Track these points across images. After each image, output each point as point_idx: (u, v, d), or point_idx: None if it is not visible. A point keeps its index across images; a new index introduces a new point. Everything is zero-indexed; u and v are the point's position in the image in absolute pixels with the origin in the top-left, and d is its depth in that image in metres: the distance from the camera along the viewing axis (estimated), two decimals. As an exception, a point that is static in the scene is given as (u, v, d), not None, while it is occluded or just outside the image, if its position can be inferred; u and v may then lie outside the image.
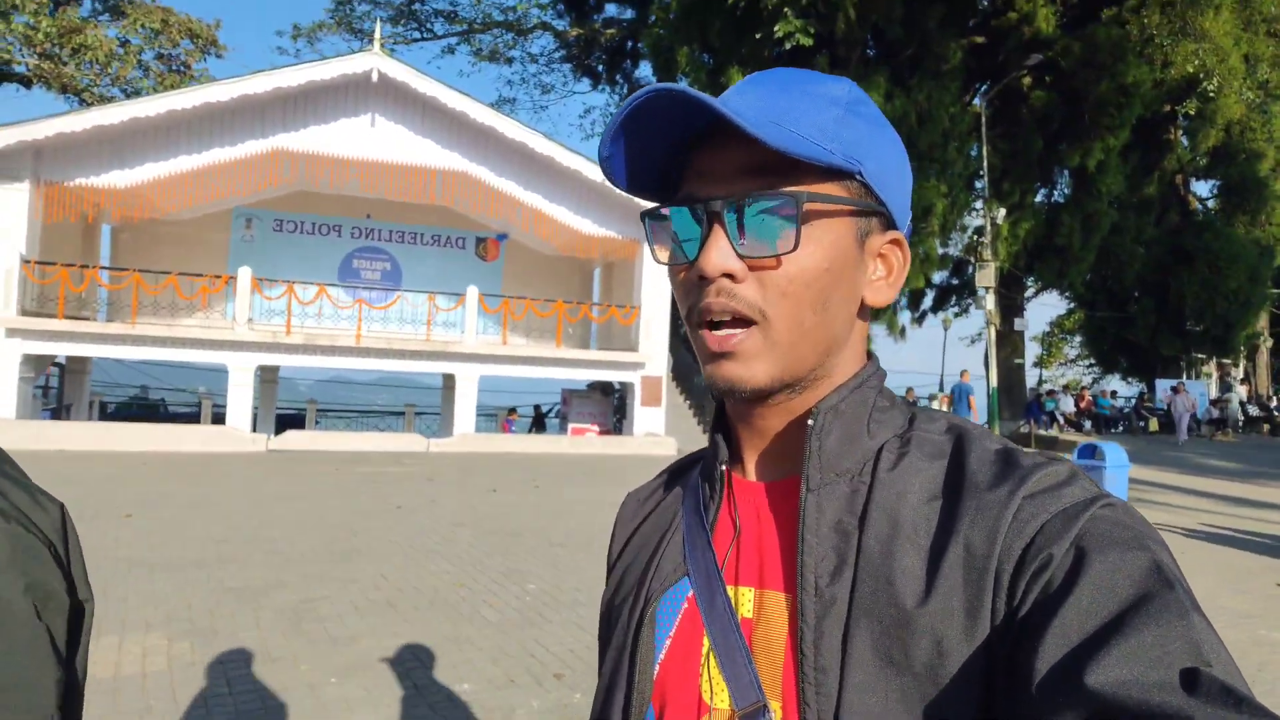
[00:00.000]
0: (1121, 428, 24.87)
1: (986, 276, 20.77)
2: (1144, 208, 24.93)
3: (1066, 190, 24.02)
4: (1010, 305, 24.41)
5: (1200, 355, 28.18)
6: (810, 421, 0.61)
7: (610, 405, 19.08)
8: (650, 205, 0.63)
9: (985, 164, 20.35)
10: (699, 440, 17.45)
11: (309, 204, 17.45)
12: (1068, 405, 25.16)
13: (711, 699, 0.61)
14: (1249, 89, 22.50)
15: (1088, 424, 24.62)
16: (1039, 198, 23.96)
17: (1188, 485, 12.85)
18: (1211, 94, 21.33)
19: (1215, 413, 24.95)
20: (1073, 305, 35.84)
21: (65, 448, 12.41)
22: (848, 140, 0.59)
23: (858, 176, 0.60)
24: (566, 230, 16.14)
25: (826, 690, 0.54)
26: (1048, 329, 43.66)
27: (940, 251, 21.52)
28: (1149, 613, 0.45)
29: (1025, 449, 0.60)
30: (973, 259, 23.64)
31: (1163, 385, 26.12)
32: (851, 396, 0.63)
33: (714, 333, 0.60)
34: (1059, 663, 0.46)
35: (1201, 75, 20.78)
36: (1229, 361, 29.15)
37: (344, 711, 3.66)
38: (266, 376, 18.70)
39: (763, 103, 0.59)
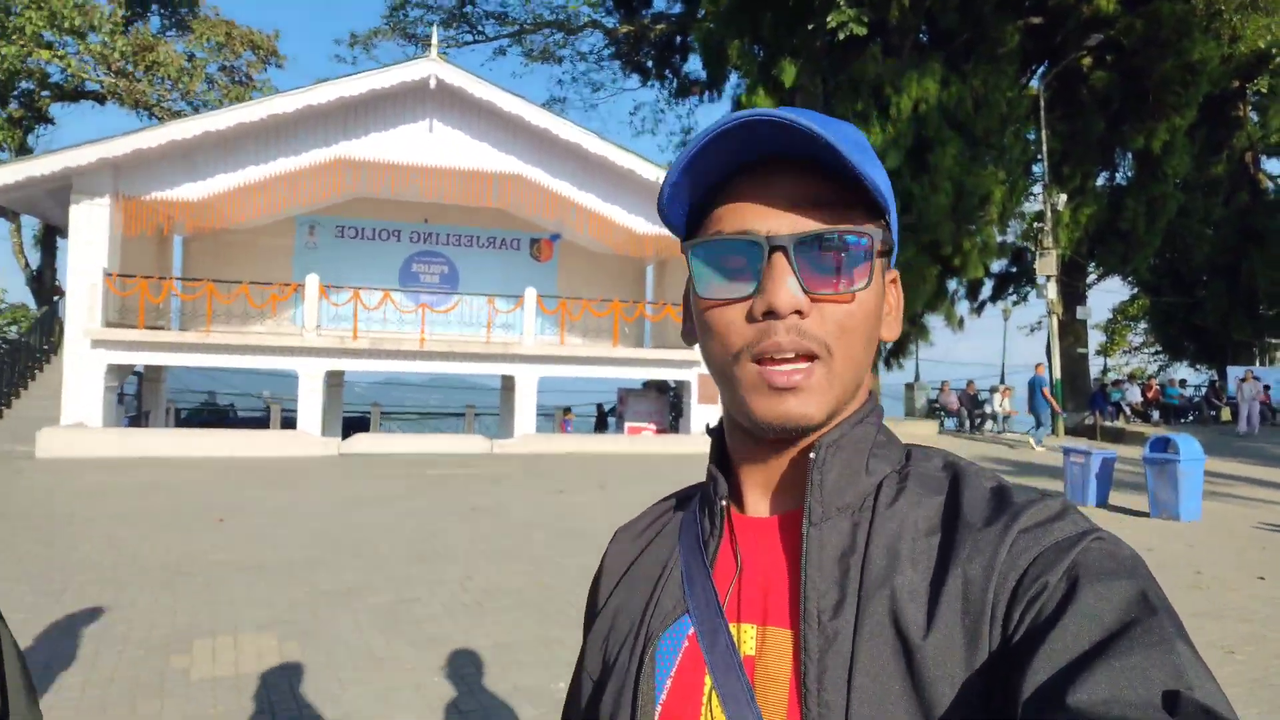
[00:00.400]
0: (1191, 418, 24.12)
1: (1048, 264, 20.35)
2: (1212, 188, 24.15)
3: (1130, 173, 23.36)
4: (1072, 293, 23.84)
5: (1274, 340, 27.19)
6: (812, 455, 0.62)
7: (666, 404, 19.16)
8: (709, 236, 0.63)
9: (1044, 148, 19.92)
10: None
11: (368, 210, 17.86)
12: (1134, 395, 24.48)
13: None
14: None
15: (1155, 414, 23.94)
16: (1100, 181, 23.35)
17: (1261, 476, 12.46)
18: (1287, 68, 20.56)
19: (1291, 399, 24.05)
20: (1136, 291, 34.88)
21: (148, 454, 12.93)
22: (882, 182, 0.61)
23: (885, 217, 0.63)
24: (620, 229, 16.26)
25: None
26: (1110, 316, 42.50)
27: (999, 239, 21.10)
28: (1134, 637, 0.47)
29: (1020, 486, 0.62)
30: (1032, 246, 23.18)
31: (1235, 372, 25.24)
32: (853, 432, 0.64)
33: (778, 369, 0.60)
34: (1045, 683, 0.47)
35: (1274, 50, 20.00)
36: (1305, 345, 28.08)
37: (451, 712, 3.80)
38: (332, 380, 19.20)
39: (841, 138, 0.59)
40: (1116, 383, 26.56)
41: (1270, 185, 27.23)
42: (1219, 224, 24.22)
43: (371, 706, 3.83)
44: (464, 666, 4.35)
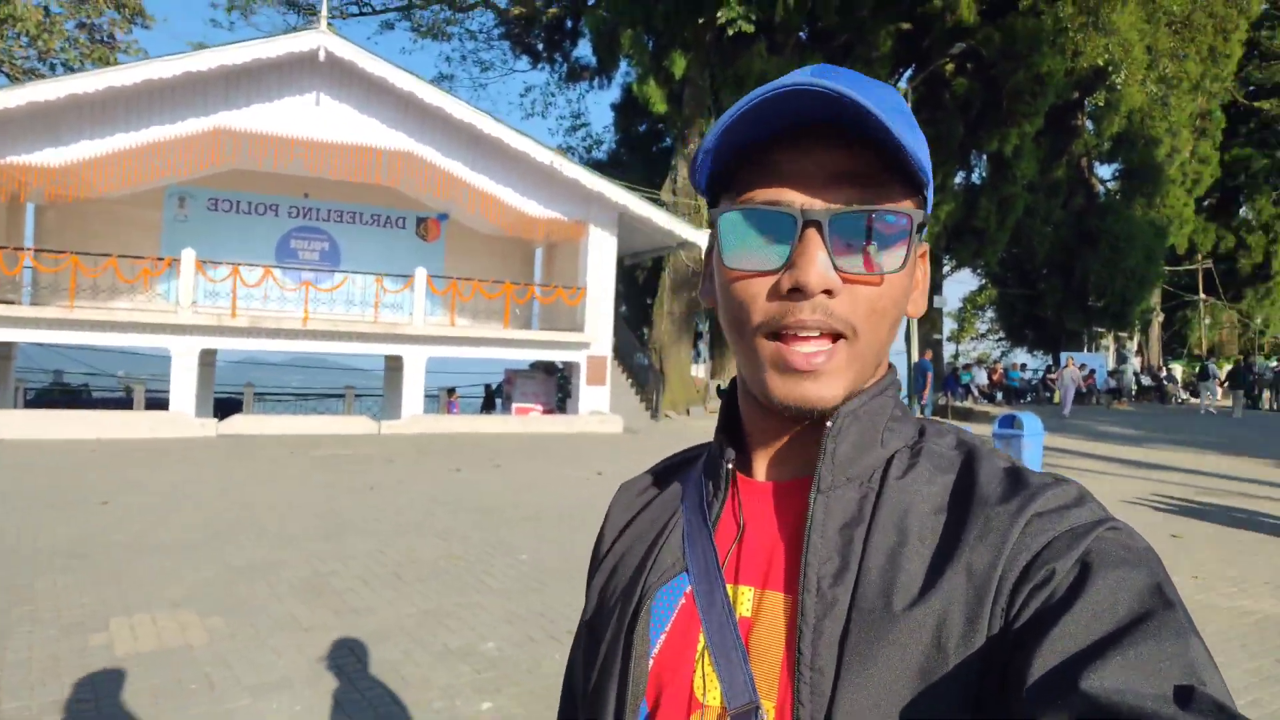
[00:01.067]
0: (1029, 399, 26.51)
1: (910, 256, 21.86)
2: (1053, 191, 26.47)
3: (984, 174, 25.30)
4: (931, 284, 25.64)
5: (1100, 329, 30.20)
6: (829, 424, 0.61)
7: (554, 385, 19.43)
8: (739, 204, 0.60)
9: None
10: (643, 418, 18.01)
11: (244, 182, 17.12)
12: (982, 378, 26.75)
13: (704, 696, 0.60)
14: (1151, 81, 24.05)
15: (999, 395, 26.18)
16: (958, 181, 25.17)
17: (1091, 450, 14.05)
18: (1118, 84, 22.77)
19: (1113, 383, 26.87)
20: (984, 283, 37.84)
21: (2, 436, 12.11)
22: (922, 153, 0.58)
23: (923, 192, 0.60)
24: (512, 211, 16.33)
25: (821, 691, 0.54)
26: (961, 305, 45.79)
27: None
28: (1148, 629, 0.46)
29: (1031, 469, 0.61)
30: (898, 239, 24.75)
31: (1066, 358, 28.01)
32: (870, 404, 0.63)
33: (799, 348, 0.58)
34: (1055, 668, 0.46)
35: (1109, 66, 22.15)
36: (1125, 335, 31.30)
37: (390, 672, 4.03)
38: (204, 360, 18.37)
39: (884, 107, 0.56)
40: (967, 366, 28.90)
41: (1101, 189, 30.09)
42: (1058, 224, 26.60)
43: (308, 670, 4.00)
44: (393, 633, 4.57)
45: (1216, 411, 23.03)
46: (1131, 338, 32.05)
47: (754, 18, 16.52)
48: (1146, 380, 28.62)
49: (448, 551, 6.41)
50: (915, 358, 22.74)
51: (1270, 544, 7.30)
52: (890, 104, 0.57)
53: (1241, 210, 33.95)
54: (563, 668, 4.11)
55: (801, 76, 0.55)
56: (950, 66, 22.54)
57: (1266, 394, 26.37)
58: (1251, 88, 31.77)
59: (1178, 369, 31.64)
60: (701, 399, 20.25)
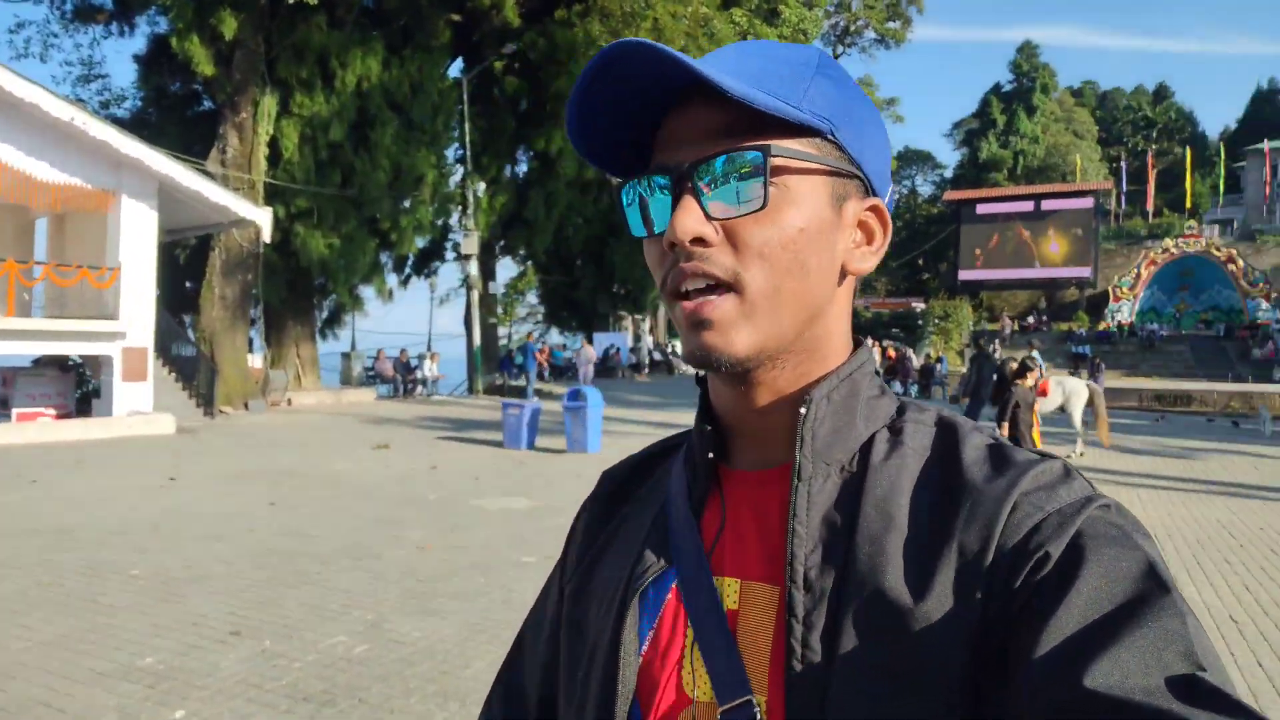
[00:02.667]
0: (571, 375, 29.68)
1: (470, 244, 22.92)
2: (586, 188, 29.83)
3: (534, 169, 27.46)
4: (487, 270, 27.15)
5: (624, 312, 34.97)
6: (802, 410, 0.59)
7: (72, 382, 16.39)
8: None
9: (467, 139, 22.30)
10: (195, 415, 16.16)
11: None
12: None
13: (694, 691, 0.59)
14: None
15: (547, 373, 28.83)
16: (511, 174, 26.94)
17: (624, 415, 16.57)
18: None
19: (634, 358, 31.44)
20: (523, 269, 41.05)
21: None
22: (818, 99, 0.57)
23: (829, 136, 0.58)
24: (11, 173, 13.34)
25: (813, 683, 0.53)
26: (504, 290, 48.77)
27: (433, 220, 22.91)
28: (1145, 616, 0.45)
29: (1017, 446, 0.59)
30: (456, 225, 25.72)
31: (599, 338, 31.96)
32: (844, 385, 0.61)
33: (689, 301, 0.57)
34: (1054, 663, 0.45)
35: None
36: (641, 317, 36.68)
37: (39, 706, 3.53)
38: None
39: (733, 65, 0.56)
40: (520, 348, 31.22)
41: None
42: (592, 219, 30.06)
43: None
44: (17, 669, 3.91)
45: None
46: (645, 319, 37.62)
47: (313, -15, 15.78)
48: (658, 355, 33.99)
49: (37, 580, 5.44)
50: (478, 341, 23.99)
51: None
52: (753, 58, 0.58)
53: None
54: (245, 670, 4.00)
55: (627, 41, 0.54)
56: (500, 65, 23.98)
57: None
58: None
59: (678, 344, 38.05)
60: (261, 391, 18.82)
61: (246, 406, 17.89)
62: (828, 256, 0.59)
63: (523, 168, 27.93)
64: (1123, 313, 38.29)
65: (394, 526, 7.16)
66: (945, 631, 0.51)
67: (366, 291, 23.55)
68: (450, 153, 23.92)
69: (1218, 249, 37.83)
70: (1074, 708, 0.43)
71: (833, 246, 0.60)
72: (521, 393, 22.83)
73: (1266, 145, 46.75)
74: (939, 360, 26.56)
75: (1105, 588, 0.47)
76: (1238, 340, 34.07)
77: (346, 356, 24.43)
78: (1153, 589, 0.47)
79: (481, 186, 23.05)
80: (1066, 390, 12.29)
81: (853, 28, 44.86)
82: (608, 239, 30.65)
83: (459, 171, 23.99)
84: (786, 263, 0.57)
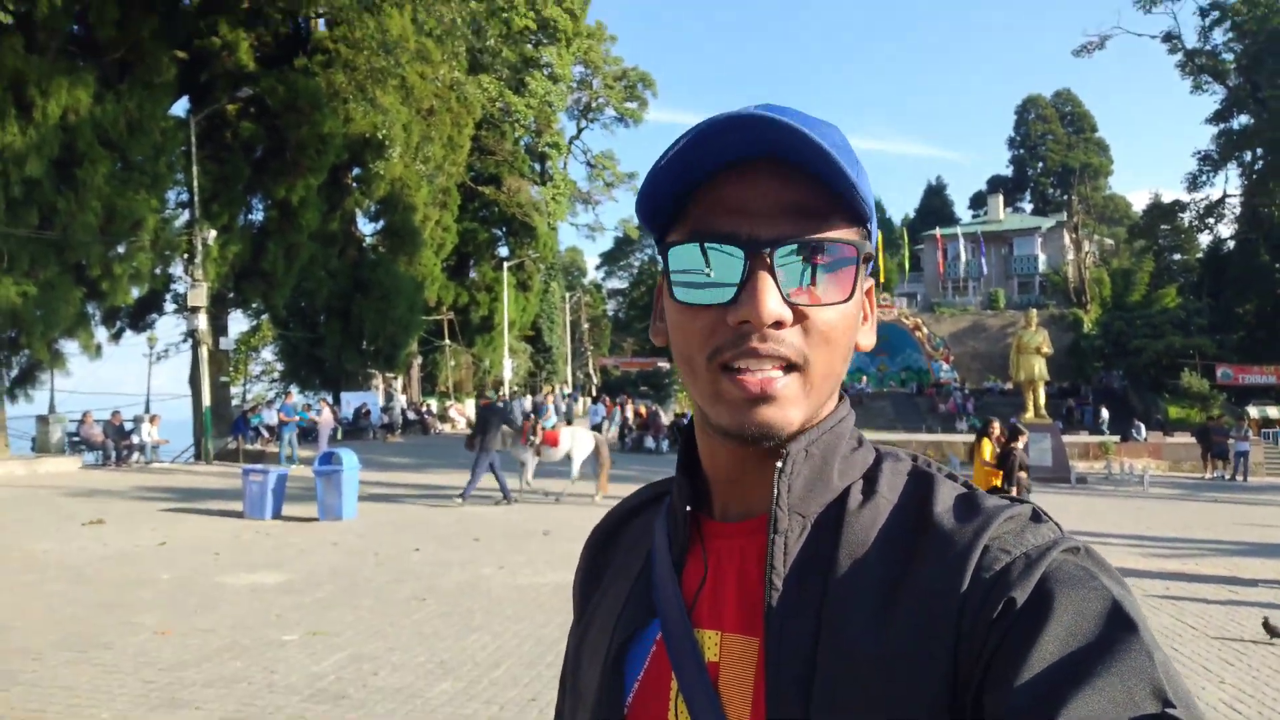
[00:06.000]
0: (312, 438, 27.79)
1: (198, 295, 20.88)
2: (330, 241, 28.41)
3: (272, 219, 25.74)
4: (218, 324, 24.86)
5: (374, 370, 33.47)
6: (779, 464, 0.60)
7: None
8: (688, 238, 0.59)
9: (195, 183, 20.46)
10: None
11: None
12: (271, 418, 26.91)
13: None
14: (410, 158, 28.05)
15: (288, 435, 26.77)
16: (246, 223, 25.04)
17: (392, 480, 15.86)
18: (392, 156, 25.99)
19: (385, 418, 30.12)
20: (256, 323, 38.06)
21: None
22: (864, 185, 0.58)
23: (867, 225, 0.61)
24: None
25: None
26: (235, 346, 44.78)
27: (155, 269, 20.68)
28: (1114, 655, 0.46)
29: (988, 493, 0.61)
30: (187, 275, 23.33)
31: (348, 397, 30.28)
32: (822, 439, 0.62)
33: (753, 376, 0.57)
34: (1026, 705, 0.46)
35: (385, 139, 25.13)
36: (393, 375, 35.31)
37: None
38: None
39: (818, 134, 0.56)
40: (255, 408, 28.64)
41: (368, 242, 33.47)
42: (336, 273, 28.64)
43: None
44: None
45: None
46: (398, 378, 36.25)
47: (11, 8, 13.85)
48: (411, 415, 32.81)
49: None
50: (207, 402, 21.76)
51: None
52: (833, 140, 0.58)
53: (471, 273, 41.81)
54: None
55: (750, 110, 0.56)
56: (235, 108, 22.42)
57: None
58: (474, 174, 39.59)
59: (433, 403, 37.01)
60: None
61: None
62: (853, 335, 0.63)
63: (259, 216, 26.14)
64: (836, 372, 43.19)
65: (122, 611, 6.28)
66: (920, 677, 0.52)
67: (69, 346, 20.53)
68: (174, 196, 21.84)
69: (907, 317, 44.01)
70: None
71: (858, 326, 0.64)
72: (259, 456, 20.98)
73: (938, 232, 55.45)
74: (683, 415, 28.28)
75: (1074, 629, 0.49)
76: (926, 397, 39.58)
77: (44, 420, 21.00)
78: (1120, 628, 0.49)
79: (211, 234, 21.19)
80: (574, 439, 13.91)
81: (594, 104, 47.67)
82: (354, 295, 29.36)
83: (185, 217, 21.92)
84: (844, 347, 0.61)
